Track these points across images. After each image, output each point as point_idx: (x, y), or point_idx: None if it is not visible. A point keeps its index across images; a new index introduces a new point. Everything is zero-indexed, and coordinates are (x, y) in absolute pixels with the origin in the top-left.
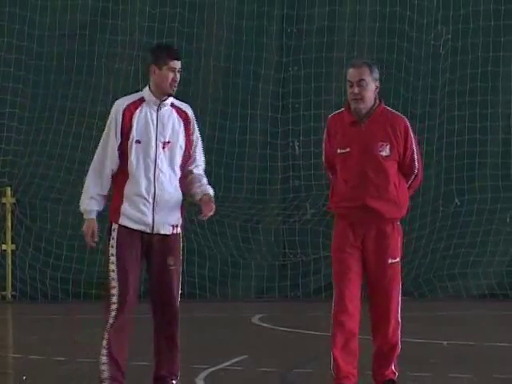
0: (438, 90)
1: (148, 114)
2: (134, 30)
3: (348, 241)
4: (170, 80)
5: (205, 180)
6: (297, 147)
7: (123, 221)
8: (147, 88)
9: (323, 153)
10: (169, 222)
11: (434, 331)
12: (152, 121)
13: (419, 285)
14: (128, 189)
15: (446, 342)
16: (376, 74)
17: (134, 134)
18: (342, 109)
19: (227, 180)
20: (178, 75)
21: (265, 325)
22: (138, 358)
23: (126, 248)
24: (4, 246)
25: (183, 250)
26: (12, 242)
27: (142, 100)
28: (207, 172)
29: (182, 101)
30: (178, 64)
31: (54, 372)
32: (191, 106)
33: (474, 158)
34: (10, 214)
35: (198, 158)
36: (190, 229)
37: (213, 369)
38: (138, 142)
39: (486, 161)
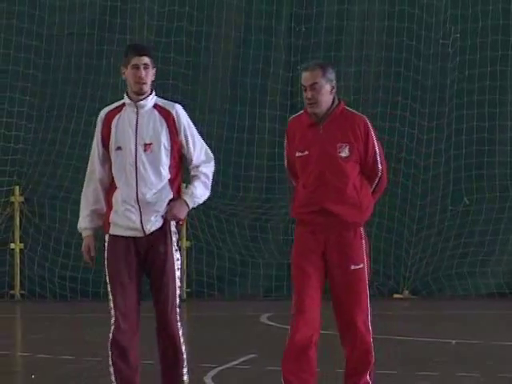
0: (446, 89)
1: (127, 118)
2: (143, 28)
3: (308, 250)
4: (135, 77)
5: (197, 183)
6: None
7: (113, 230)
8: (126, 93)
9: (285, 158)
10: (157, 219)
11: (442, 330)
12: (131, 124)
13: (428, 284)
14: (114, 197)
15: (454, 341)
16: (330, 75)
17: (114, 141)
18: (302, 111)
19: (236, 179)
20: (145, 71)
21: (273, 324)
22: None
23: (116, 258)
24: (12, 245)
25: (192, 250)
26: (20, 241)
27: (123, 105)
28: (216, 171)
29: (172, 100)
30: (141, 59)
31: (61, 371)
32: (199, 105)
33: (482, 157)
34: (18, 213)
35: (194, 158)
36: (199, 227)
37: (221, 368)
38: (119, 148)
39: (495, 160)
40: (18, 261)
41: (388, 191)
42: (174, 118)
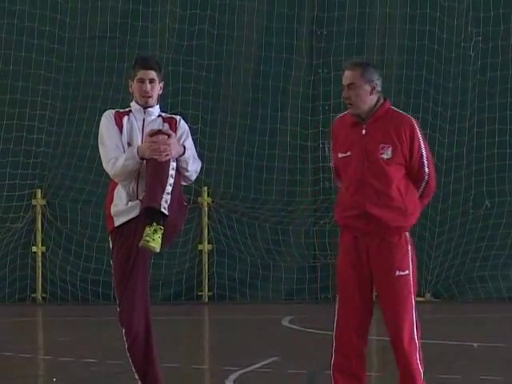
0: (468, 92)
1: (134, 121)
2: (164, 32)
3: (352, 260)
4: (140, 91)
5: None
6: (327, 149)
7: (116, 221)
8: (133, 101)
9: (331, 158)
10: None
11: (464, 333)
12: (138, 127)
13: (449, 287)
14: (116, 191)
15: (476, 344)
16: (370, 75)
17: (125, 135)
18: (347, 111)
19: (257, 182)
20: (151, 85)
21: (295, 327)
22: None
23: (120, 256)
24: (34, 248)
25: (214, 253)
26: (42, 244)
27: (129, 111)
28: (238, 174)
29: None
30: (147, 73)
31: (83, 374)
32: (221, 108)
33: (504, 159)
34: (40, 216)
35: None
36: (221, 231)
37: (243, 371)
38: (129, 144)
39: None
40: (39, 264)
41: None
42: (176, 123)
